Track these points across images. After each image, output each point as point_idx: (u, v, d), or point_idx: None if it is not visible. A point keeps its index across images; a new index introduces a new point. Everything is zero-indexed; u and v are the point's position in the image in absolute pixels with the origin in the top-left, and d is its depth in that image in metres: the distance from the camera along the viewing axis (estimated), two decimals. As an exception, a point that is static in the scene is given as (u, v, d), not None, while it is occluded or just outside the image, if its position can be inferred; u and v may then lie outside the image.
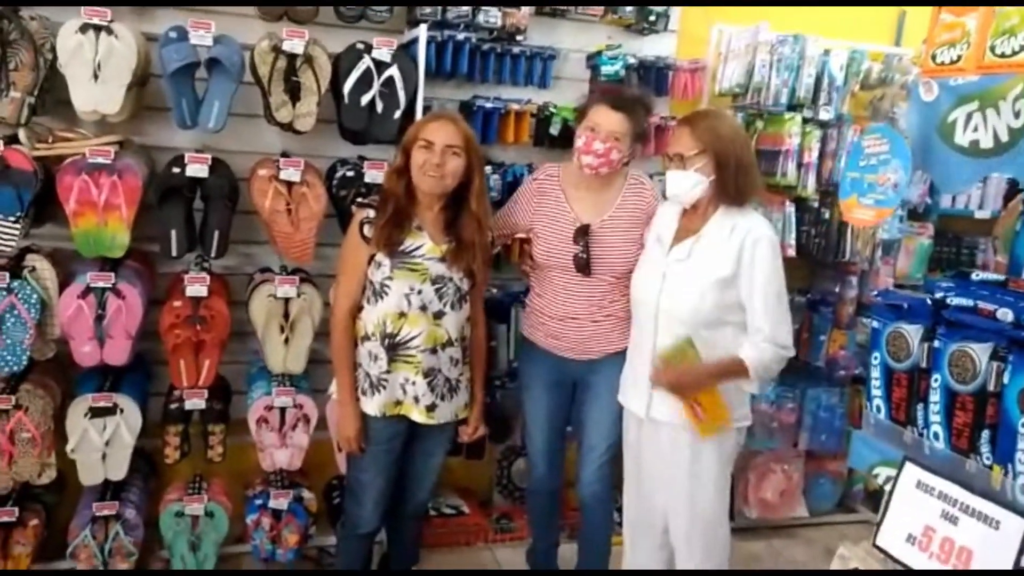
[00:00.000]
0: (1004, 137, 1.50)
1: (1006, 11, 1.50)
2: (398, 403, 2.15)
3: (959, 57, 1.58)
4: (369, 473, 2.21)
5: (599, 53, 2.92)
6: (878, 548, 1.52)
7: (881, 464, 1.64)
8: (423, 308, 2.11)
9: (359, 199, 2.26)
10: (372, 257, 2.11)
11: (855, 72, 3.02)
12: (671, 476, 2.17)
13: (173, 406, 2.54)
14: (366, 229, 2.11)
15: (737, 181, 2.06)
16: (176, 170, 2.38)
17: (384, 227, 2.08)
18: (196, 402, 2.51)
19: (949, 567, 1.39)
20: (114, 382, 2.51)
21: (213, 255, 2.47)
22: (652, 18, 2.99)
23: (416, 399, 2.15)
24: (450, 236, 2.14)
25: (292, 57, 2.43)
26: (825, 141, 3.01)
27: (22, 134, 2.30)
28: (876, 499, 3.41)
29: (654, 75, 3.00)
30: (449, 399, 2.20)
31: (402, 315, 2.10)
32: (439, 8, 2.67)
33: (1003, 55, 1.50)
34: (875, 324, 1.65)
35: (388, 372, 2.13)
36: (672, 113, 3.01)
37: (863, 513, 3.42)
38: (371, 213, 2.12)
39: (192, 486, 2.63)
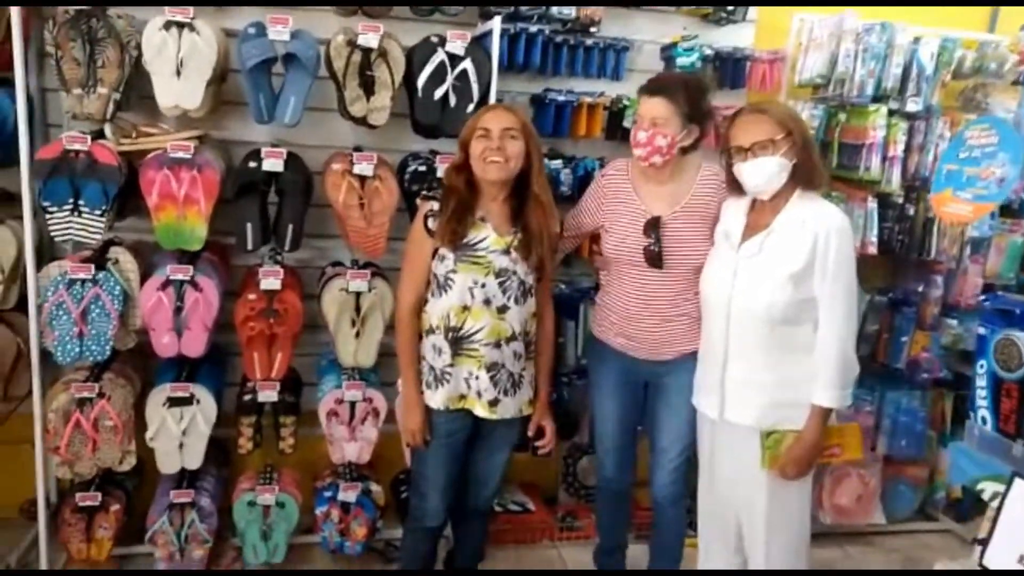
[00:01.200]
0: None
1: None
2: (462, 397, 2.14)
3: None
4: (431, 466, 2.20)
5: (674, 44, 2.84)
6: (985, 568, 1.43)
7: (986, 478, 1.55)
8: (487, 302, 2.09)
9: (424, 192, 2.25)
10: (436, 251, 2.10)
11: (947, 61, 2.87)
12: (747, 481, 2.11)
13: (247, 397, 2.59)
14: (430, 222, 2.10)
15: (819, 160, 2.07)
16: (252, 164, 2.41)
17: (448, 222, 2.07)
18: (269, 394, 2.55)
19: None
20: (191, 373, 2.57)
21: (287, 248, 2.49)
22: (730, 7, 2.89)
23: (479, 393, 2.13)
24: (516, 227, 2.12)
25: (367, 51, 2.43)
26: (912, 134, 2.87)
27: (108, 129, 2.37)
28: (958, 507, 3.25)
29: (731, 66, 2.92)
30: (512, 394, 2.17)
31: (465, 308, 2.09)
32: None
33: None
34: (982, 330, 1.56)
35: (452, 365, 2.11)
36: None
37: (944, 522, 3.28)
38: (435, 206, 2.11)
39: (264, 476, 2.68)
